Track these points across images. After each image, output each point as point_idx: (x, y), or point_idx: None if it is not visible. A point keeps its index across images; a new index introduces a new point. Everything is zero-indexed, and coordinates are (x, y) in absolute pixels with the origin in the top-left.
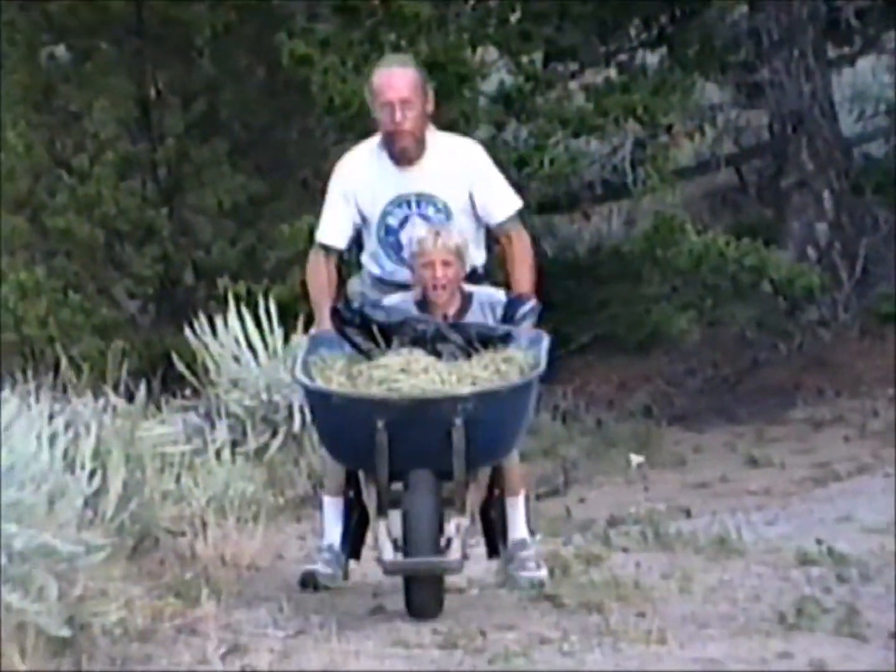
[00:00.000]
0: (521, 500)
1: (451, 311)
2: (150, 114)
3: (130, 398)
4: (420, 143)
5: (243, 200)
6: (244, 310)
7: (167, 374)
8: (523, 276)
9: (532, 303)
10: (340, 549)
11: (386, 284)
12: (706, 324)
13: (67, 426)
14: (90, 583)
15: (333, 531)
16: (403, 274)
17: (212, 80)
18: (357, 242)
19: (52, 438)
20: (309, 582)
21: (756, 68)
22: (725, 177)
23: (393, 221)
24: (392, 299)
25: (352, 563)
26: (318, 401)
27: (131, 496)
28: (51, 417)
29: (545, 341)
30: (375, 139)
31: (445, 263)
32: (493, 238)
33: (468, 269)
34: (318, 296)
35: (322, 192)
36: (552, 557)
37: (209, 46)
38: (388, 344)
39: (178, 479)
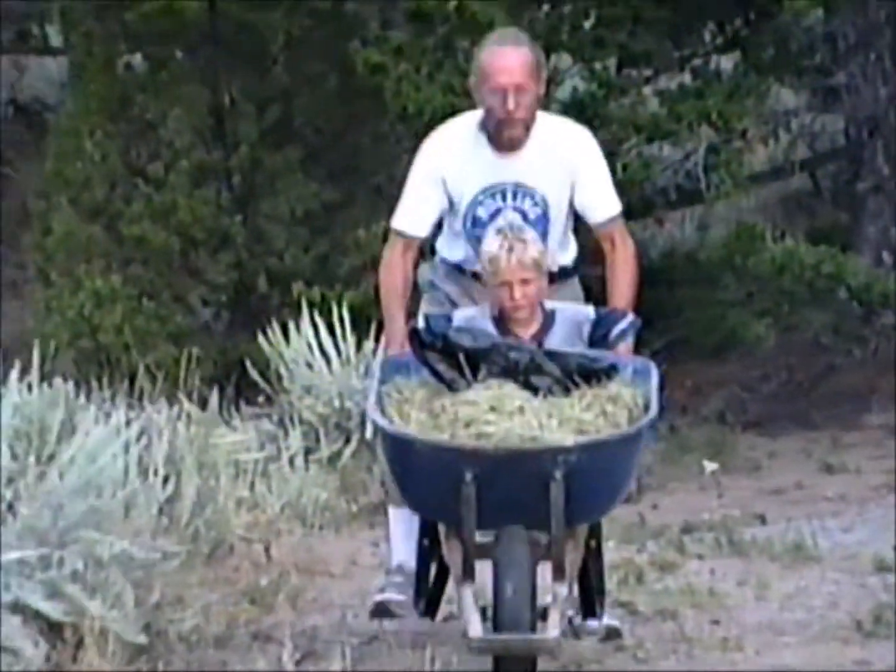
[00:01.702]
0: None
1: (532, 330)
2: (224, 122)
3: (204, 405)
4: (528, 131)
5: (316, 207)
6: (317, 317)
7: (241, 382)
8: (622, 290)
9: (629, 318)
10: (415, 572)
11: (463, 274)
12: (781, 329)
13: (142, 433)
14: (166, 589)
15: (402, 548)
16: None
17: (285, 88)
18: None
19: (128, 446)
20: (381, 612)
21: (832, 72)
22: (800, 182)
23: (482, 213)
24: (466, 312)
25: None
26: (396, 445)
27: (206, 503)
28: (126, 424)
29: (654, 374)
30: (473, 116)
31: (524, 282)
32: (592, 240)
33: (555, 268)
34: (391, 303)
35: (396, 198)
36: (626, 564)
37: (283, 54)
38: (475, 373)
39: (251, 487)
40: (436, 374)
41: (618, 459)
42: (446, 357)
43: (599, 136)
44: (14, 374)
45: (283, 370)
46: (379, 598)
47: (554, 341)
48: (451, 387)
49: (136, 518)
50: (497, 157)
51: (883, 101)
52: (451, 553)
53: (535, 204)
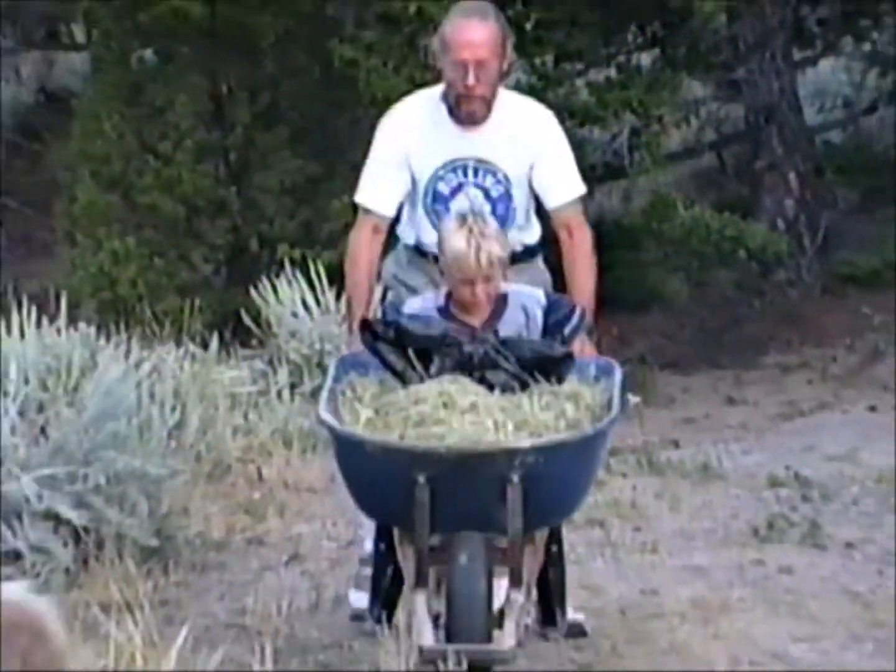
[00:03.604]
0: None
1: (483, 316)
2: (222, 107)
3: (206, 347)
4: (489, 107)
5: (301, 180)
6: (300, 273)
7: (236, 328)
8: (584, 284)
9: (578, 312)
10: (371, 576)
11: (426, 259)
12: (693, 285)
13: (153, 370)
14: (174, 501)
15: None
16: None
17: (274, 78)
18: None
19: (141, 380)
20: (360, 619)
21: (734, 68)
22: (708, 160)
23: (444, 188)
24: (413, 305)
25: None
26: (346, 446)
27: (207, 429)
28: (140, 363)
29: (618, 374)
30: (434, 90)
31: (487, 279)
32: (548, 225)
33: (519, 248)
34: (355, 292)
35: None
36: None
37: (272, 48)
38: (427, 364)
39: (246, 416)
40: (387, 365)
41: (578, 461)
42: (398, 349)
43: None
44: (45, 321)
45: (272, 318)
46: (358, 607)
47: (506, 329)
48: (403, 379)
49: (148, 441)
50: (459, 131)
51: (777, 92)
52: (405, 559)
53: (498, 182)
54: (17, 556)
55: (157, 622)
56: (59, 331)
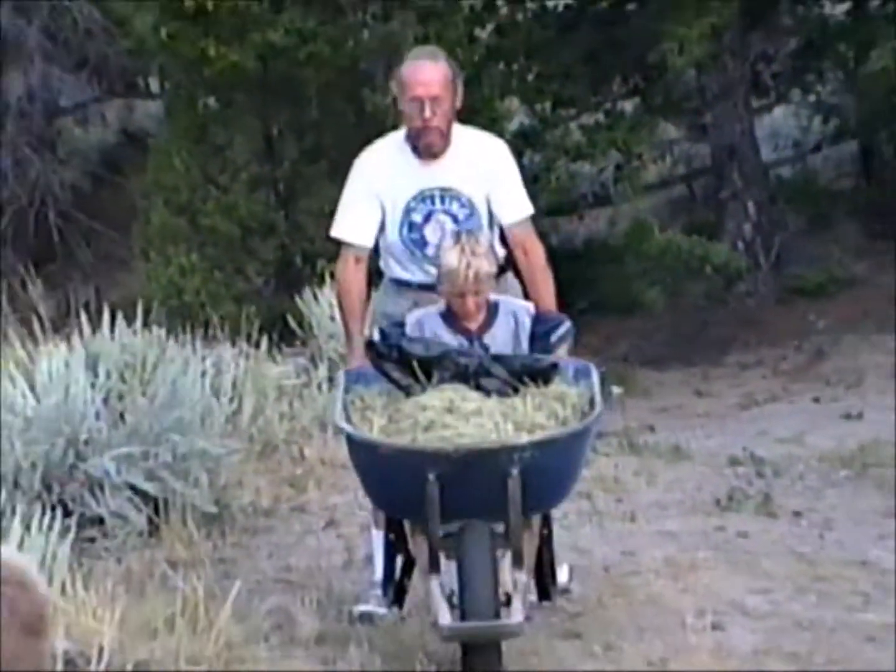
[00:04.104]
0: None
1: (478, 321)
2: (273, 145)
3: (258, 347)
4: (446, 139)
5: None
6: None
7: (283, 330)
8: (547, 295)
9: (567, 325)
10: (382, 564)
11: (410, 288)
12: (668, 295)
13: (214, 366)
14: (230, 476)
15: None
16: (426, 274)
17: (317, 121)
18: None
19: (203, 374)
20: (365, 620)
21: (702, 113)
22: (680, 191)
23: (417, 217)
24: (416, 314)
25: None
26: (363, 450)
27: (258, 415)
28: (202, 360)
29: (595, 375)
30: (398, 134)
31: (476, 292)
32: (505, 245)
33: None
34: (349, 319)
35: None
36: None
37: (315, 97)
38: (428, 378)
39: (291, 404)
40: (392, 381)
41: (568, 454)
42: (401, 365)
43: (538, 158)
44: (124, 324)
45: (313, 322)
46: (364, 608)
47: (498, 332)
48: (408, 392)
49: (209, 425)
50: (422, 165)
51: (738, 134)
52: (418, 548)
53: (463, 206)
54: (100, 521)
55: (216, 577)
56: (135, 333)
